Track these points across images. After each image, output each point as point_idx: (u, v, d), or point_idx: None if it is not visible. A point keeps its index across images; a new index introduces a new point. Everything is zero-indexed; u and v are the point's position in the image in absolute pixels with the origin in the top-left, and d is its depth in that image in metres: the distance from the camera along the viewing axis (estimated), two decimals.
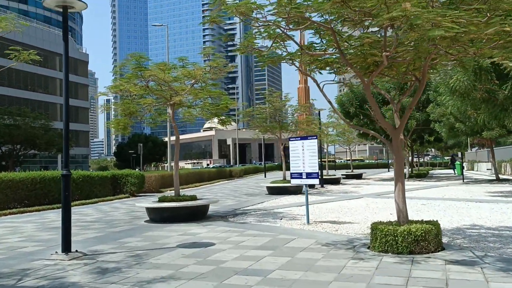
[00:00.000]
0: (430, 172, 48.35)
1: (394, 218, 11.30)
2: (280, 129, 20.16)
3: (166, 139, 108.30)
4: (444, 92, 16.17)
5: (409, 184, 25.90)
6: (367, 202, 15.51)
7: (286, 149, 12.72)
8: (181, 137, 46.60)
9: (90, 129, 76.58)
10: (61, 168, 53.05)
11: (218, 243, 8.27)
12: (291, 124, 20.93)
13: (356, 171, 38.94)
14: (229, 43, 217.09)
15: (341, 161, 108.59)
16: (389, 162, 38.66)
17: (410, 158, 33.10)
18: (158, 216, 11.55)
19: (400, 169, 7.48)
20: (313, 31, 7.18)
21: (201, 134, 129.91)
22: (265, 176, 43.81)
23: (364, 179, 35.27)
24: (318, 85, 7.79)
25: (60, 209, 7.59)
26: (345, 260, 6.49)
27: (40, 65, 62.18)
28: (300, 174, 10.51)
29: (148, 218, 12.01)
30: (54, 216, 13.84)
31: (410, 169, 32.44)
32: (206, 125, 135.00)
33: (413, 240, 6.62)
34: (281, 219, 11.38)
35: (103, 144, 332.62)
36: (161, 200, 11.85)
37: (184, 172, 30.86)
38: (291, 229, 9.78)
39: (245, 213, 13.20)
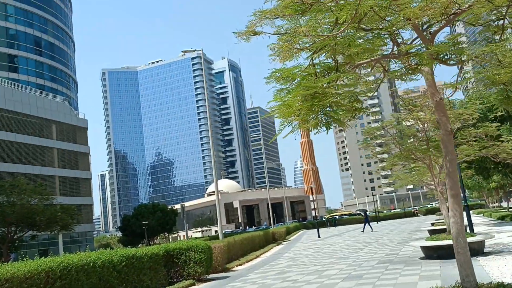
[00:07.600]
0: None
1: None
2: (432, 151, 12.73)
3: (176, 206, 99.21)
4: None
5: None
6: None
7: None
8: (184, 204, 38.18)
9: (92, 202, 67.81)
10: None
11: None
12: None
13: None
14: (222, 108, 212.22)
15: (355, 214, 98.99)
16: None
17: None
18: None
19: None
20: None
21: (204, 199, 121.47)
22: (318, 236, 35.76)
23: None
24: None
25: None
26: None
27: (34, 135, 55.53)
28: None
29: None
30: None
31: None
32: (210, 189, 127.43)
33: None
34: None
35: (99, 221, 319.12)
36: None
37: (238, 239, 23.17)
38: None
39: None
